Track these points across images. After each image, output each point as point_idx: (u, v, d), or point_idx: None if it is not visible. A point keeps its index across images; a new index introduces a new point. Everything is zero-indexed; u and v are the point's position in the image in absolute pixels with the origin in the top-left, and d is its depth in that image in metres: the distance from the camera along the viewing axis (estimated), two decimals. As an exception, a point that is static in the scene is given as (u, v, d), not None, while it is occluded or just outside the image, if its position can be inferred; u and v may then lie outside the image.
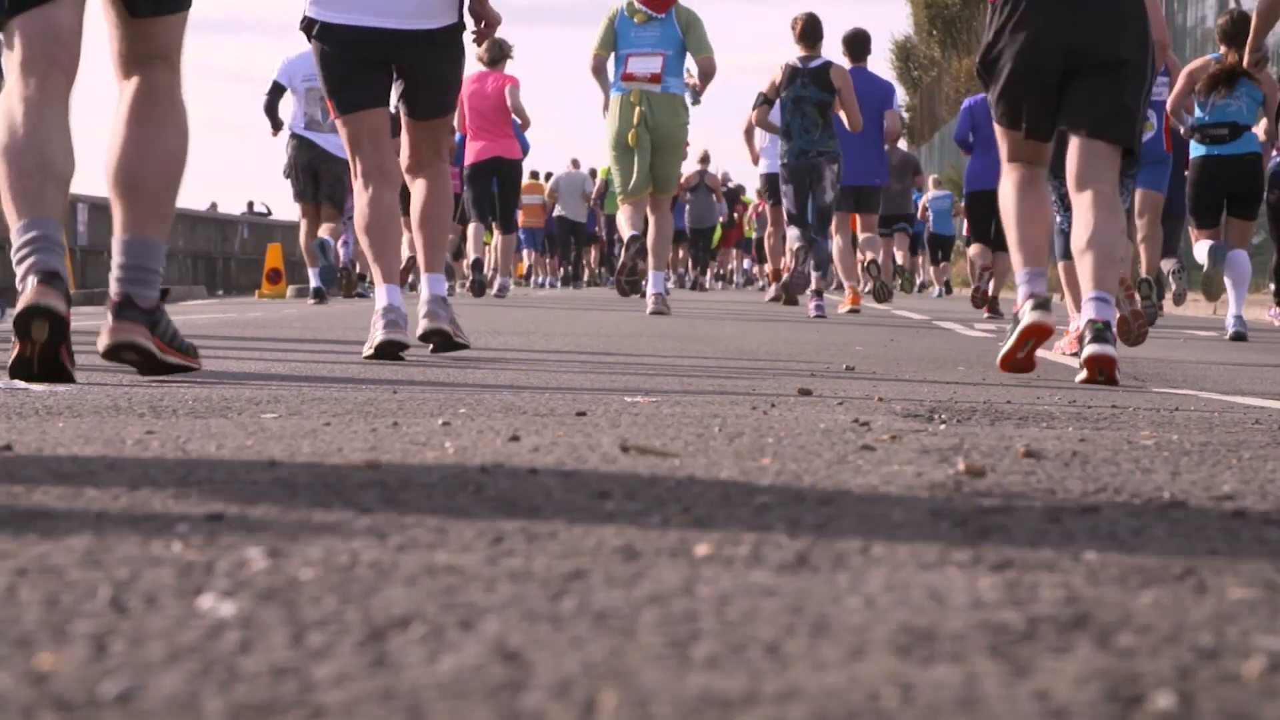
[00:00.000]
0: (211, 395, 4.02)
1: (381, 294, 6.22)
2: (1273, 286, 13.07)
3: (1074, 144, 6.19)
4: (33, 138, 4.45)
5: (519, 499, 2.23)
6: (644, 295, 13.25)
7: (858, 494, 2.36)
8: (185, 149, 4.74)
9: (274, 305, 16.32)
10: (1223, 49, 11.89)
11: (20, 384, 4.26)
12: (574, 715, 1.20)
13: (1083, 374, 5.86)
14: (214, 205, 33.29)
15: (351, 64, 6.40)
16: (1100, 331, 5.90)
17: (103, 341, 4.59)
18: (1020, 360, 6.16)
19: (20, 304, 4.27)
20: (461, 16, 6.43)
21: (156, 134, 4.68)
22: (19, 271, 4.34)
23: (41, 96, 4.50)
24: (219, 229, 31.41)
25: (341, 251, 16.45)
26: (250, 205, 39.59)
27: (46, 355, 4.28)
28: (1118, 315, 7.34)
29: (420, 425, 3.31)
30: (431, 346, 6.44)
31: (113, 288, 4.63)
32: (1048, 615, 1.57)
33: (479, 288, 18.58)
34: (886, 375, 5.82)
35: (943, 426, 3.60)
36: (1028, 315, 6.02)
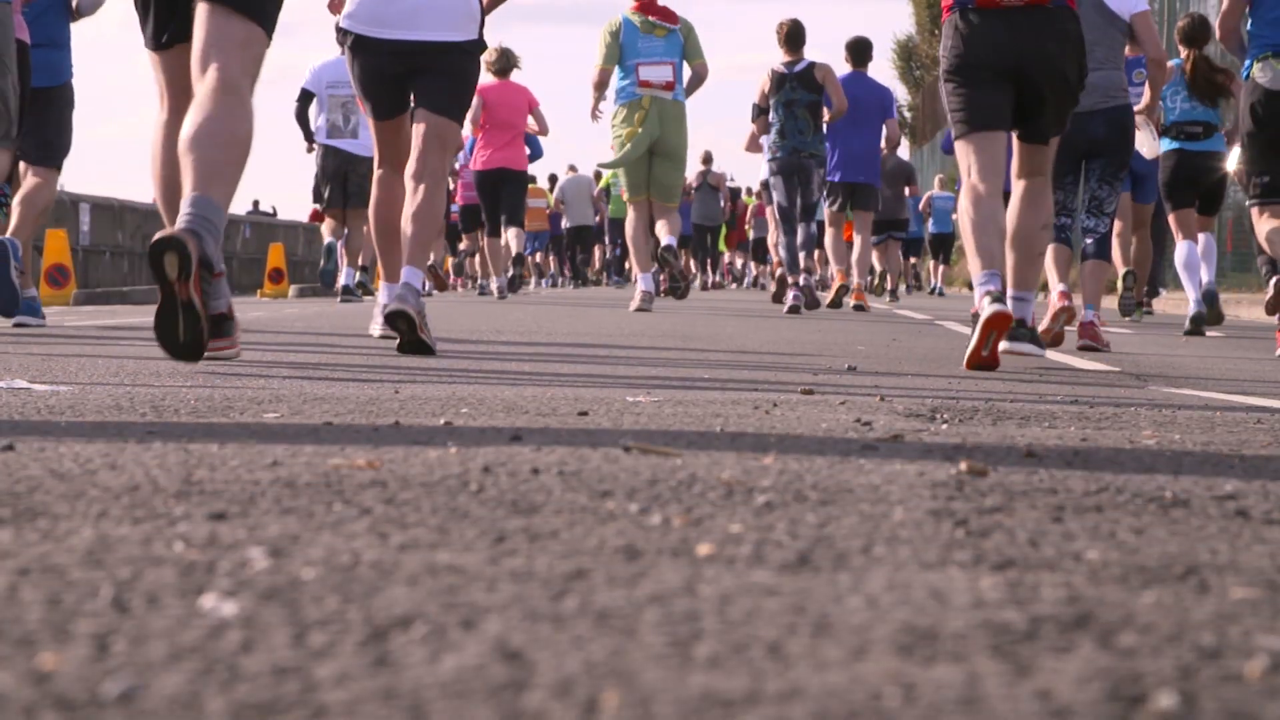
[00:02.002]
0: (213, 395, 4.02)
1: (383, 290, 7.12)
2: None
3: (1018, 145, 6.91)
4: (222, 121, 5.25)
5: (520, 499, 2.23)
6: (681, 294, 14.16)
7: (860, 493, 2.36)
8: (247, 134, 5.31)
9: (276, 305, 16.32)
10: (1183, 51, 12.08)
11: (21, 383, 4.26)
12: (576, 715, 1.20)
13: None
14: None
15: (384, 78, 6.98)
16: (1015, 330, 6.50)
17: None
18: (985, 359, 6.30)
19: (155, 236, 4.92)
20: (481, 35, 6.93)
21: (218, 122, 5.23)
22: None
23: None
24: (221, 228, 31.37)
25: (344, 273, 16.39)
26: (256, 204, 39.58)
27: (182, 293, 4.92)
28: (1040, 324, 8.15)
29: (422, 425, 3.31)
30: (398, 341, 6.46)
31: (178, 227, 5.07)
32: (1049, 615, 1.57)
33: (517, 283, 19.11)
34: (889, 375, 5.82)
35: (945, 426, 3.60)
36: (987, 309, 6.31)
